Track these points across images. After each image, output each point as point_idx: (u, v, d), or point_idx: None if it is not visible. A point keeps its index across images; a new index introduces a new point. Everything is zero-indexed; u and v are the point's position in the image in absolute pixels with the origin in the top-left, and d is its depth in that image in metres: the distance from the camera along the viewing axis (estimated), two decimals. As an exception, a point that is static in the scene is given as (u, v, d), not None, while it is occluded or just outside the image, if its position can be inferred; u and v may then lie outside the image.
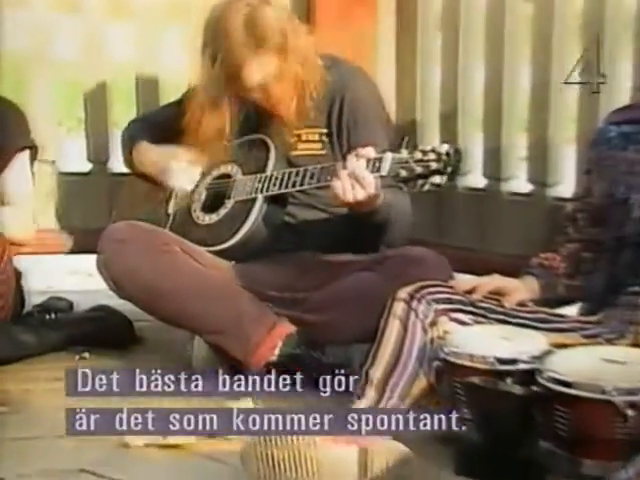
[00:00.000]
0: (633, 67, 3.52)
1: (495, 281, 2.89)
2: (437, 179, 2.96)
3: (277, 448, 2.59)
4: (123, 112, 3.99)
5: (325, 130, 3.39)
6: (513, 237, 3.67)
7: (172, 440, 2.86)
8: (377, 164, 2.99)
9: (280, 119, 3.39)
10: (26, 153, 3.49)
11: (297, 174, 3.23)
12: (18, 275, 3.48)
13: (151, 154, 3.53)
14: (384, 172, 2.98)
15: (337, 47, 3.55)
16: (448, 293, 2.93)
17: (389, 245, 3.33)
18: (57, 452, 2.82)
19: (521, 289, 2.85)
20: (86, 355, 3.48)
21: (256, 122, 3.45)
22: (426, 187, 2.98)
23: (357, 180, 3.02)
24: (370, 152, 2.98)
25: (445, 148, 3.01)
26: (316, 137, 3.41)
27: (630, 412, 2.45)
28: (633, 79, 3.47)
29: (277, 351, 3.25)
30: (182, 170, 3.49)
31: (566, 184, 3.60)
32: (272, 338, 3.26)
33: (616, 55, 3.43)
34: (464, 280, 2.91)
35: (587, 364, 2.59)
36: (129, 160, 3.64)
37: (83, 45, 4.01)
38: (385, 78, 3.89)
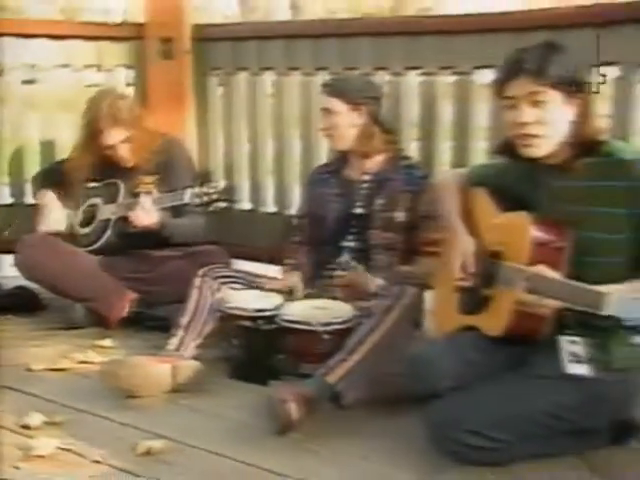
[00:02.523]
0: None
1: (349, 277, 3.04)
2: (219, 204, 3.25)
3: (121, 367, 2.85)
4: (32, 166, 4.21)
5: (156, 176, 3.61)
6: (264, 237, 3.89)
7: (60, 365, 3.10)
8: (181, 196, 3.29)
9: (128, 169, 3.64)
10: None
11: (128, 205, 3.48)
12: None
13: (45, 197, 3.79)
14: (186, 201, 3.28)
15: (164, 126, 3.81)
16: (227, 271, 3.21)
17: (193, 244, 3.58)
18: None
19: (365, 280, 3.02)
20: (10, 317, 3.70)
21: (114, 171, 3.67)
22: (211, 209, 3.27)
23: (145, 212, 3.35)
24: (149, 201, 3.35)
25: (223, 184, 3.34)
26: (151, 180, 3.61)
27: (326, 336, 2.81)
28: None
29: (127, 309, 3.52)
30: (55, 212, 3.72)
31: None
32: (123, 302, 3.52)
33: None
34: (342, 278, 3.06)
35: (304, 309, 2.92)
36: (35, 197, 3.89)
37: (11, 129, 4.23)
38: (192, 145, 4.16)
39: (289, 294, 3.08)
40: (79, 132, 3.66)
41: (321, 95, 3.21)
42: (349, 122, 3.15)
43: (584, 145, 2.32)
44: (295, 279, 3.16)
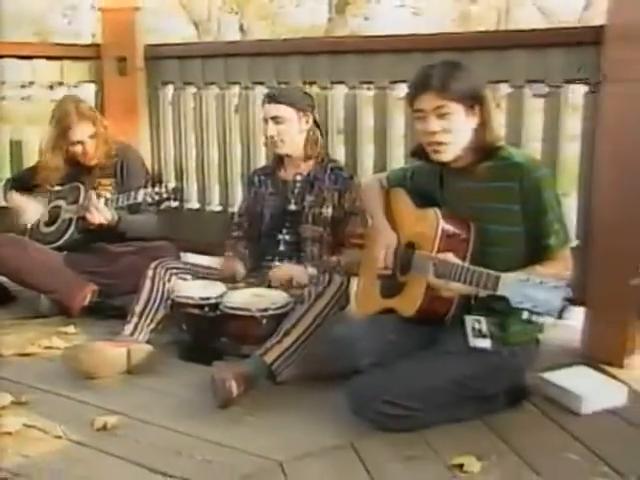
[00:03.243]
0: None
1: (285, 270, 3.01)
2: (169, 203, 3.32)
3: (81, 351, 2.82)
4: (3, 173, 4.15)
5: (114, 179, 3.61)
6: (211, 233, 3.83)
7: (27, 350, 3.06)
8: (135, 195, 3.29)
9: (89, 172, 3.62)
10: None
11: (87, 206, 3.42)
12: None
13: (15, 199, 3.72)
14: (139, 200, 3.28)
15: (121, 134, 3.81)
16: (176, 264, 3.17)
17: (147, 239, 3.55)
18: None
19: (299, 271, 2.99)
20: None
21: (76, 174, 3.63)
22: (162, 207, 3.32)
23: (97, 211, 3.32)
24: (101, 202, 3.34)
25: (172, 185, 3.37)
26: (109, 182, 3.61)
27: (264, 320, 2.80)
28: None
29: (87, 300, 3.44)
30: (24, 213, 3.69)
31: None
32: (84, 293, 3.44)
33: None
34: (276, 270, 3.03)
35: (244, 297, 2.90)
36: (6, 200, 3.84)
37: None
38: (145, 150, 4.14)
39: (232, 281, 3.05)
40: (49, 134, 3.61)
41: (267, 105, 3.13)
42: (298, 128, 3.12)
43: (484, 150, 2.35)
44: (236, 265, 3.13)
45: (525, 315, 1.93)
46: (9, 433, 2.36)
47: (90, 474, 2.14)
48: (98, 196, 3.43)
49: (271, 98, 3.14)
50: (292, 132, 3.12)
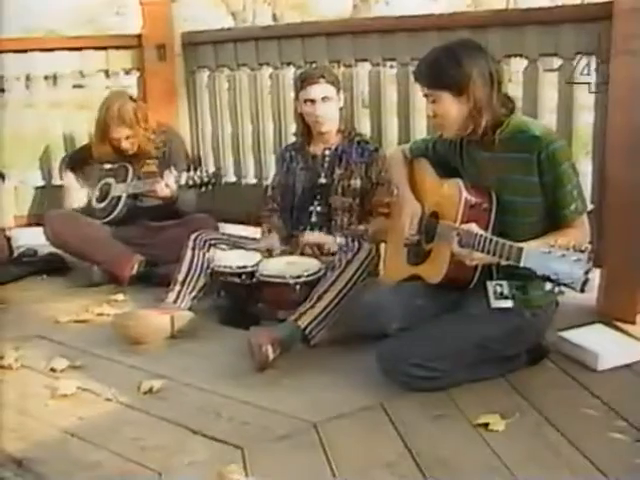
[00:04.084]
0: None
1: (316, 237, 2.92)
2: (209, 187, 3.17)
3: (128, 318, 2.76)
4: (58, 154, 4.02)
5: (157, 160, 3.54)
6: (246, 205, 3.70)
7: (82, 317, 3.01)
8: (179, 177, 3.20)
9: (134, 155, 3.55)
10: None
11: (138, 184, 3.43)
12: (9, 239, 3.69)
13: (68, 179, 3.71)
14: (182, 182, 3.19)
15: (162, 116, 3.76)
16: (215, 235, 3.07)
17: (186, 214, 3.47)
18: (24, 326, 2.94)
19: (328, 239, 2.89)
20: (44, 277, 3.61)
21: (123, 156, 3.55)
22: (203, 189, 3.18)
23: (167, 185, 3.24)
24: (172, 178, 3.23)
25: (212, 170, 3.31)
26: (152, 162, 3.54)
27: (297, 287, 2.70)
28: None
29: (135, 269, 3.34)
30: (77, 191, 3.66)
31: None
32: (132, 263, 3.35)
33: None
34: (306, 237, 2.91)
35: (278, 265, 2.80)
36: (61, 178, 3.83)
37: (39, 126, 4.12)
38: (185, 129, 4.05)
39: (269, 254, 2.93)
40: (95, 124, 3.55)
41: (315, 86, 2.90)
42: (337, 105, 2.99)
43: (494, 123, 2.19)
44: (272, 241, 3.00)
45: (548, 286, 1.82)
46: (65, 395, 2.32)
47: (138, 435, 2.08)
48: (149, 174, 3.43)
49: (318, 79, 2.93)
50: (334, 109, 2.99)
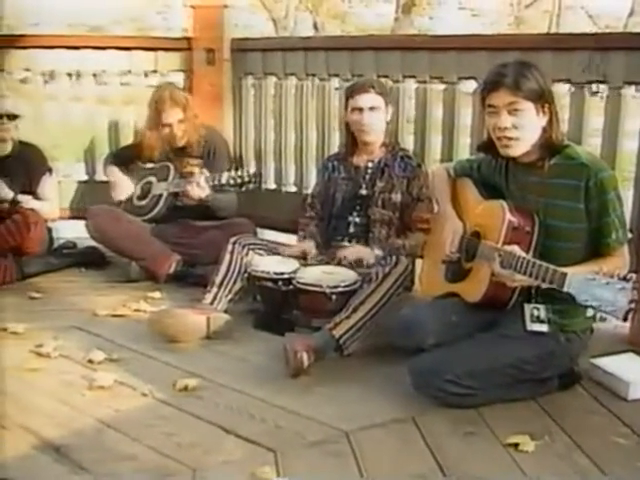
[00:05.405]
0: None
1: (353, 252, 2.91)
2: (249, 186, 3.25)
3: (166, 316, 2.80)
4: (102, 150, 4.13)
5: (201, 160, 3.56)
6: (286, 212, 3.77)
7: (119, 312, 3.07)
8: (218, 177, 3.26)
9: (179, 153, 3.58)
10: (47, 174, 3.69)
11: (180, 182, 3.44)
12: (49, 230, 3.72)
13: (112, 174, 3.75)
14: (222, 182, 3.25)
15: (207, 119, 3.77)
16: (254, 240, 3.11)
17: (226, 217, 3.51)
18: (62, 317, 3.00)
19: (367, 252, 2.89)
20: (83, 270, 3.69)
21: (168, 154, 3.60)
22: (244, 189, 3.26)
23: (198, 185, 3.29)
24: (203, 179, 3.30)
25: (253, 170, 3.42)
26: (196, 162, 3.56)
27: (333, 297, 2.72)
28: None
29: (172, 268, 3.40)
30: (119, 187, 3.71)
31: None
32: (170, 261, 3.41)
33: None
34: (345, 249, 2.93)
35: (316, 274, 2.82)
36: (105, 174, 3.87)
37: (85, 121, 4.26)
38: (229, 134, 4.09)
39: (304, 259, 2.97)
40: (147, 115, 3.60)
41: (363, 95, 2.96)
42: (384, 117, 3.02)
43: (551, 147, 2.22)
44: (308, 245, 3.04)
45: (590, 312, 1.83)
46: (102, 387, 2.37)
47: (173, 431, 2.12)
48: (191, 174, 3.43)
49: (368, 88, 2.99)
50: (381, 121, 3.03)
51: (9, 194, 3.47)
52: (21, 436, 2.06)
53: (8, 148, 3.57)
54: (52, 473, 1.89)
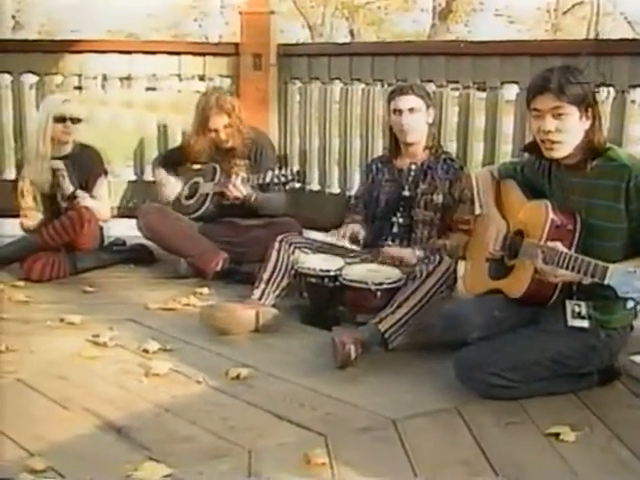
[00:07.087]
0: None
1: (395, 251, 2.99)
2: (293, 184, 3.39)
3: (217, 310, 2.90)
4: (151, 152, 4.30)
5: (247, 161, 3.66)
6: (330, 213, 3.86)
7: (169, 305, 3.16)
8: (263, 177, 3.36)
9: (226, 154, 3.67)
10: (103, 175, 3.79)
11: (223, 184, 3.52)
12: (101, 229, 3.82)
13: (160, 175, 3.85)
14: (267, 180, 3.36)
15: (254, 122, 3.84)
16: (299, 239, 3.19)
17: (273, 216, 3.58)
18: (115, 309, 3.12)
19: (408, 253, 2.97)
20: (132, 266, 3.80)
21: (215, 156, 3.70)
22: (288, 187, 3.37)
23: (235, 186, 3.39)
24: (239, 179, 3.41)
25: (296, 169, 3.50)
26: (242, 163, 3.65)
27: (378, 293, 2.80)
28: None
29: (219, 266, 3.47)
30: (168, 187, 3.81)
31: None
32: (217, 259, 3.48)
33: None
34: (386, 249, 3.02)
35: (361, 271, 2.90)
36: (154, 175, 3.99)
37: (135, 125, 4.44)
38: (274, 137, 4.15)
39: (355, 242, 3.04)
40: (193, 120, 3.70)
41: (403, 96, 3.05)
42: (425, 119, 3.10)
43: (594, 150, 2.29)
44: (356, 228, 3.10)
45: (630, 304, 1.89)
46: (158, 375, 2.46)
47: (227, 417, 2.19)
48: (236, 175, 3.49)
49: (407, 91, 3.09)
50: (421, 122, 3.10)
51: (70, 188, 3.59)
52: (84, 417, 2.16)
53: (69, 149, 3.70)
54: (114, 451, 1.98)
